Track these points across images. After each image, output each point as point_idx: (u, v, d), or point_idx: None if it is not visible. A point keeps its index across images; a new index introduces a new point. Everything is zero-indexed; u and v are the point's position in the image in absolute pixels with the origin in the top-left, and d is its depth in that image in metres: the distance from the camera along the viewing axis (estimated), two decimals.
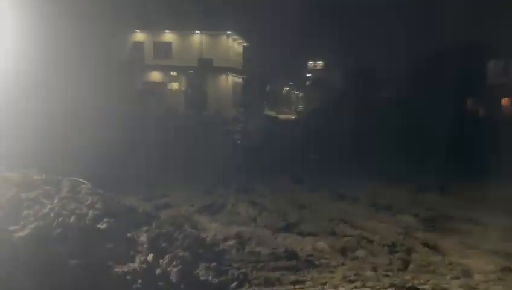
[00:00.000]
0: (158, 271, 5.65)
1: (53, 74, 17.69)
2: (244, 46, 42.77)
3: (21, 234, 5.12)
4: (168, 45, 40.08)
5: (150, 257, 5.91)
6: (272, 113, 41.38)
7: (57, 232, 5.53)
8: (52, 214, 5.89)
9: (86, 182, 7.45)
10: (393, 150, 17.43)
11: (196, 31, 39.25)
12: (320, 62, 51.84)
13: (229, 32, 38.78)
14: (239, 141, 24.70)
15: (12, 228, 5.15)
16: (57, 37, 19.76)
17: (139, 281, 5.28)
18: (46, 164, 8.08)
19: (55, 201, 6.34)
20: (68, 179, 7.27)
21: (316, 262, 6.67)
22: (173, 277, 5.58)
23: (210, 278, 5.80)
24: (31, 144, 10.30)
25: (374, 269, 6.39)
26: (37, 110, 13.61)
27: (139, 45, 40.13)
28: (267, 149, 21.06)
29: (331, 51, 43.98)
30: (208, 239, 7.52)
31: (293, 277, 5.99)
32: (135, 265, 5.58)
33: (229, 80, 40.22)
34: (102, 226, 6.19)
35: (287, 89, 54.79)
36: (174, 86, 40.50)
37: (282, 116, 41.82)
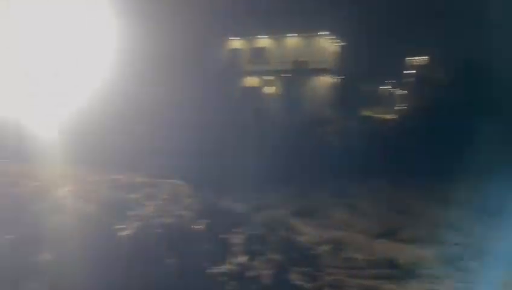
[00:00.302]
0: (251, 273, 5.65)
1: (155, 80, 18.88)
2: (339, 46, 41.90)
3: (124, 233, 5.46)
4: (263, 49, 40.80)
5: (243, 259, 5.96)
6: (369, 113, 39.75)
7: (156, 232, 5.81)
8: (152, 215, 6.22)
9: (184, 184, 7.77)
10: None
11: (291, 34, 39.44)
12: (422, 58, 48.55)
13: (323, 33, 38.31)
14: (335, 143, 24.09)
15: (117, 227, 5.52)
16: (159, 45, 21.11)
17: (232, 282, 5.32)
18: (150, 166, 8.58)
19: (156, 202, 6.70)
20: (168, 182, 7.65)
21: (419, 272, 6.14)
22: (265, 280, 5.53)
23: (303, 283, 5.65)
24: (136, 147, 11.04)
25: (490, 283, 5.68)
26: (139, 115, 14.52)
27: (235, 52, 41.49)
28: (364, 150, 20.20)
29: (434, 45, 40.94)
30: (302, 243, 7.36)
31: (392, 287, 5.57)
32: (228, 266, 5.66)
33: (324, 81, 39.68)
34: (198, 227, 6.38)
35: (385, 87, 52.24)
36: (270, 90, 41.09)
37: (379, 116, 40.00)
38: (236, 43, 41.38)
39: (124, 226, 5.59)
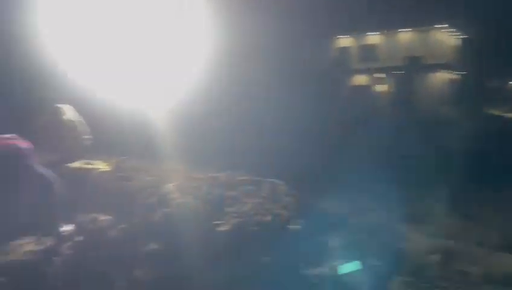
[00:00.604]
0: (348, 279, 5.44)
1: (260, 79, 19.29)
2: (458, 39, 38.45)
3: (223, 228, 5.65)
4: (373, 46, 39.31)
5: (341, 263, 5.76)
6: (496, 112, 35.85)
7: (253, 229, 5.90)
8: (250, 213, 6.33)
9: (283, 183, 7.76)
10: None
11: (403, 29, 37.34)
12: None
13: (439, 26, 35.51)
14: (453, 144, 22.17)
15: (216, 222, 5.73)
16: (267, 44, 21.54)
17: (327, 286, 5.17)
18: (251, 165, 8.75)
19: (254, 200, 6.80)
20: (267, 180, 7.71)
21: None
22: (364, 288, 5.28)
23: None
24: (237, 146, 11.39)
25: None
26: (243, 114, 14.96)
27: (344, 50, 40.65)
28: (487, 154, 18.26)
29: None
30: (407, 251, 6.88)
31: None
32: (324, 270, 5.52)
33: (442, 77, 36.78)
34: (295, 227, 6.33)
35: None
36: (381, 88, 39.42)
37: (508, 115, 35.79)
38: (345, 40, 40.51)
39: (223, 222, 5.78)
